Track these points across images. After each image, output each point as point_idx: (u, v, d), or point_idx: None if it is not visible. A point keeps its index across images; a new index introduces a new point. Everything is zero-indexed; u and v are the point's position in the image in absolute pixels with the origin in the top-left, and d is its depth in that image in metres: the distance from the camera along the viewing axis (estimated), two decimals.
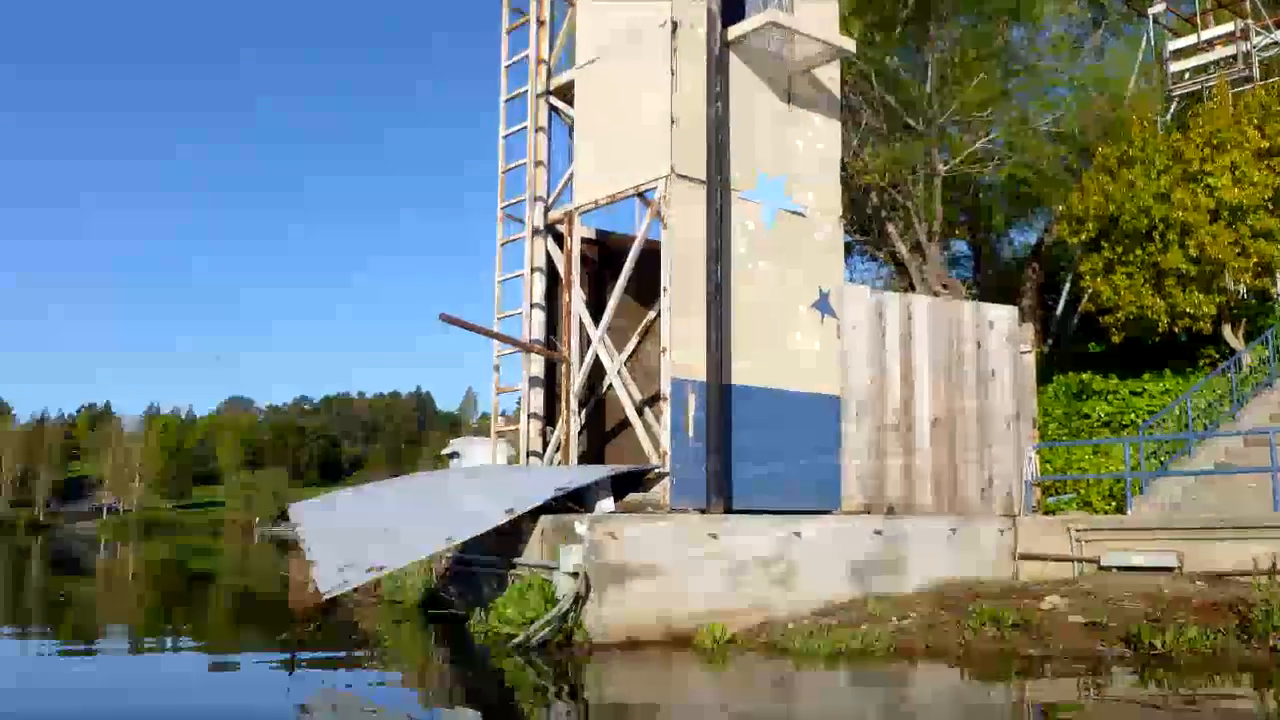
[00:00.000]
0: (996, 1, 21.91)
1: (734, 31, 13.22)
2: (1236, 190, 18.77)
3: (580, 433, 14.14)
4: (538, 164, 15.00)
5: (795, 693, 9.05)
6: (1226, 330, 20.22)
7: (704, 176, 12.78)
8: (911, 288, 22.77)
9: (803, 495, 13.30)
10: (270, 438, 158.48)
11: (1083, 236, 20.24)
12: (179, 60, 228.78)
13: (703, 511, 12.12)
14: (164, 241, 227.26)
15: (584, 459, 14.19)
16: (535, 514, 11.72)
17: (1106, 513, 16.16)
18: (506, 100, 15.58)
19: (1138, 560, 13.06)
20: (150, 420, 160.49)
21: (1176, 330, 19.61)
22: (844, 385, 13.93)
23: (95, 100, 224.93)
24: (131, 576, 26.02)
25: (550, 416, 14.60)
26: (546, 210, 14.96)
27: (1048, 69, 22.88)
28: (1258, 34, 23.41)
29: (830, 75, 14.49)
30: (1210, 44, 23.94)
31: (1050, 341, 24.62)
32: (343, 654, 11.08)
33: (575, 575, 10.69)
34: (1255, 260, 18.87)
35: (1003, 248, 29.45)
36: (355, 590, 13.20)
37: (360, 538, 11.58)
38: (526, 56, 15.28)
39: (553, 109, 15.28)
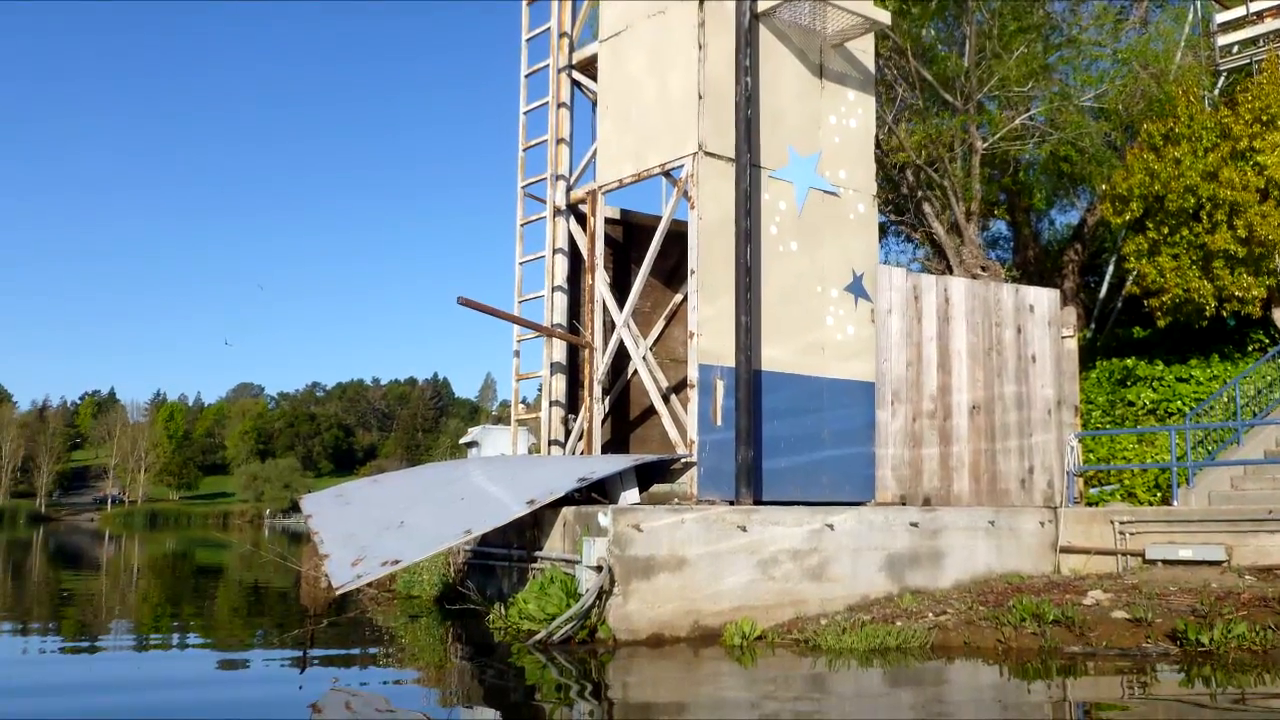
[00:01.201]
0: None
1: (764, 3, 12.72)
2: None
3: (604, 421, 13.78)
4: (559, 141, 14.62)
5: (828, 692, 8.71)
6: (1277, 314, 19.63)
7: (733, 154, 12.33)
8: (949, 270, 22.19)
9: (835, 486, 12.89)
10: (281, 426, 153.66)
11: (1126, 217, 19.60)
12: (181, 44, 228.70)
13: (731, 503, 11.74)
14: (172, 221, 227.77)
15: (608, 448, 13.85)
16: (557, 505, 11.41)
17: (1151, 504, 15.69)
18: (527, 75, 15.18)
19: (1184, 553, 12.82)
20: (156, 407, 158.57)
21: (1224, 314, 19.00)
22: (878, 371, 13.50)
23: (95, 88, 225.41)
24: (136, 571, 25.94)
25: (573, 404, 14.26)
26: (569, 189, 14.58)
27: (1091, 42, 22.21)
28: None
29: (864, 49, 13.98)
30: (1260, 16, 23.07)
31: (1093, 326, 23.97)
32: (356, 651, 10.80)
33: (599, 569, 10.38)
34: None
35: (1043, 228, 28.71)
36: (369, 585, 12.99)
37: (374, 530, 11.30)
38: (548, 29, 14.87)
39: (575, 84, 14.88)
